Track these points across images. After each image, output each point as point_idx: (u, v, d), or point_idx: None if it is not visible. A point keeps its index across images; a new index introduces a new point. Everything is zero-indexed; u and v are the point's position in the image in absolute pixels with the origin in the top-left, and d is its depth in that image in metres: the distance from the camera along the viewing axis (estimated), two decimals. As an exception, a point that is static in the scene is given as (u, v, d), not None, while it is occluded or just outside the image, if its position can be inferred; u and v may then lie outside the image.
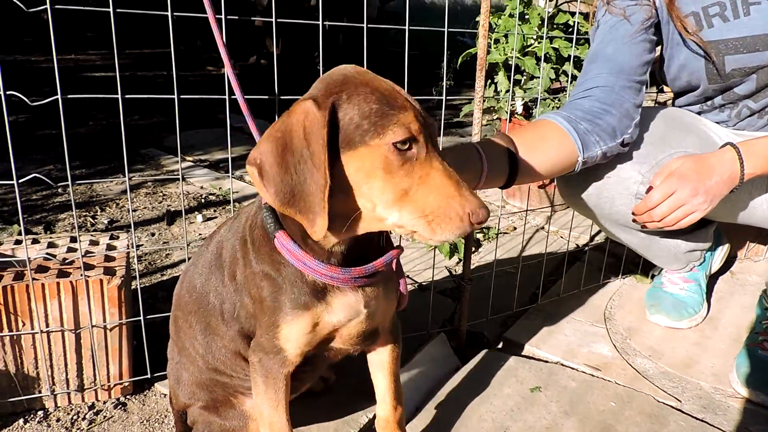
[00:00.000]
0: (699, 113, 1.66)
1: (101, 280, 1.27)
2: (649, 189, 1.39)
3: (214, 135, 3.79)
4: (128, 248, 1.43)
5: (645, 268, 2.07)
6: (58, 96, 1.09)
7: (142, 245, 2.21)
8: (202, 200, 2.75)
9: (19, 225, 1.21)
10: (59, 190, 2.76)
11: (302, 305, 0.91)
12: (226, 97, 1.20)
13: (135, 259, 2.03)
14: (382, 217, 0.81)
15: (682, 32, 1.45)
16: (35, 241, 1.45)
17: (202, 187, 2.93)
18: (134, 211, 2.59)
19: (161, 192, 2.84)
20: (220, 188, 2.90)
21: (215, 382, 1.11)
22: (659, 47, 1.59)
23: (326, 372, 1.42)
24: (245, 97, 1.14)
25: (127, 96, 1.14)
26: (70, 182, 1.16)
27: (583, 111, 1.35)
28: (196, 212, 2.59)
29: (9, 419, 1.29)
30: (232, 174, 1.34)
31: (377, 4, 7.40)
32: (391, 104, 0.79)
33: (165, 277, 1.97)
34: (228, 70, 1.14)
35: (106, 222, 2.40)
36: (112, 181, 2.89)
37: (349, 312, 0.94)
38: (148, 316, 1.34)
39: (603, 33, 1.46)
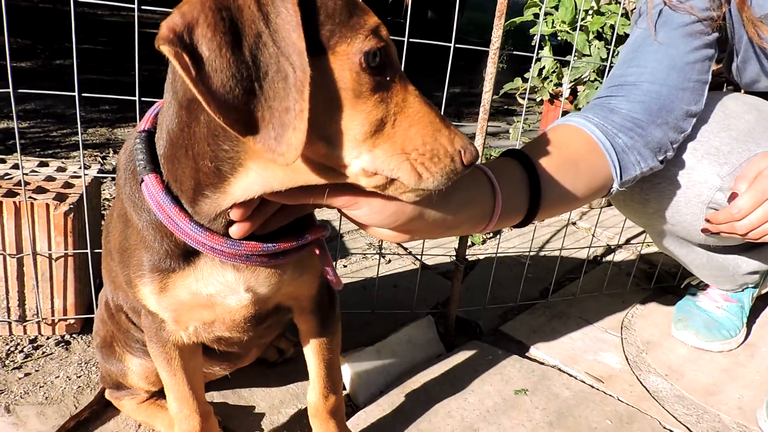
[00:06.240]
0: None
1: (47, 205, 1.16)
2: (732, 196, 1.11)
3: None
4: (88, 176, 1.33)
5: (682, 277, 1.82)
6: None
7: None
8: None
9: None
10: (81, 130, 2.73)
11: (167, 267, 0.71)
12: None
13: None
14: (343, 164, 0.58)
15: (754, 38, 1.13)
16: (1, 161, 1.37)
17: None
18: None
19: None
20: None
21: (108, 324, 1.00)
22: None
23: (284, 343, 1.28)
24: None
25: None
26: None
27: (621, 117, 1.04)
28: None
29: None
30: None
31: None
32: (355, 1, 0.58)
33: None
34: None
35: (113, 164, 2.34)
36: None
37: (223, 288, 0.73)
38: (96, 250, 1.23)
39: (652, 17, 1.13)
